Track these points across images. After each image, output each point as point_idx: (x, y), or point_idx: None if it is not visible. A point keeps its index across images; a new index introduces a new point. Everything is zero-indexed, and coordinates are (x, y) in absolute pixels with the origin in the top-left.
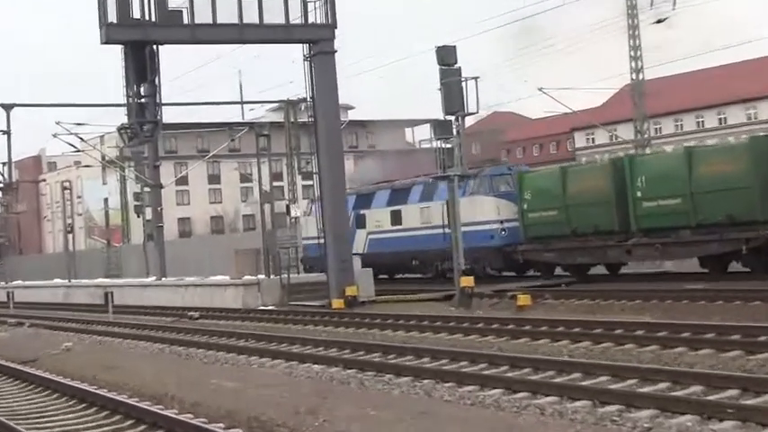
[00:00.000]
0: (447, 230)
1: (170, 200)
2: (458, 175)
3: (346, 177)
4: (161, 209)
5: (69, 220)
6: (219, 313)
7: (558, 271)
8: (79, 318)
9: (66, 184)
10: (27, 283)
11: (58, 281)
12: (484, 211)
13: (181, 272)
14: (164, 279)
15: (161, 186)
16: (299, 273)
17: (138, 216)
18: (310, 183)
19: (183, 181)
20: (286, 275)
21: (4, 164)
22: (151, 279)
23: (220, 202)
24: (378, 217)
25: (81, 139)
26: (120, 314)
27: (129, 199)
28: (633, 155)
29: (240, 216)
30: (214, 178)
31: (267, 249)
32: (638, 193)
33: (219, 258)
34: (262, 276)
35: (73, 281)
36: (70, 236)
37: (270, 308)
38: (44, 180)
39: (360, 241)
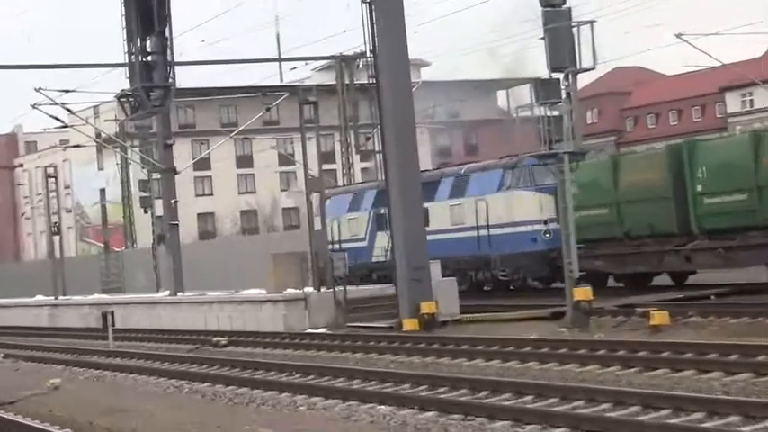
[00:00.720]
0: (482, 233)
1: (187, 190)
2: (569, 153)
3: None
4: (175, 202)
5: (55, 218)
6: (254, 339)
7: (611, 282)
8: (70, 346)
9: (51, 171)
10: (0, 301)
11: (40, 298)
12: (523, 209)
13: (203, 284)
14: (180, 294)
15: (175, 172)
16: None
17: (146, 212)
18: (370, 165)
19: (203, 165)
20: (341, 288)
21: None
22: (163, 294)
23: (253, 192)
24: (427, 213)
25: (69, 111)
26: (123, 341)
27: (134, 189)
28: (695, 140)
29: (279, 210)
30: (245, 161)
31: (316, 254)
32: (699, 187)
33: (253, 266)
34: (309, 289)
35: (61, 298)
36: (56, 238)
37: (321, 331)
38: (21, 165)
39: (380, 248)
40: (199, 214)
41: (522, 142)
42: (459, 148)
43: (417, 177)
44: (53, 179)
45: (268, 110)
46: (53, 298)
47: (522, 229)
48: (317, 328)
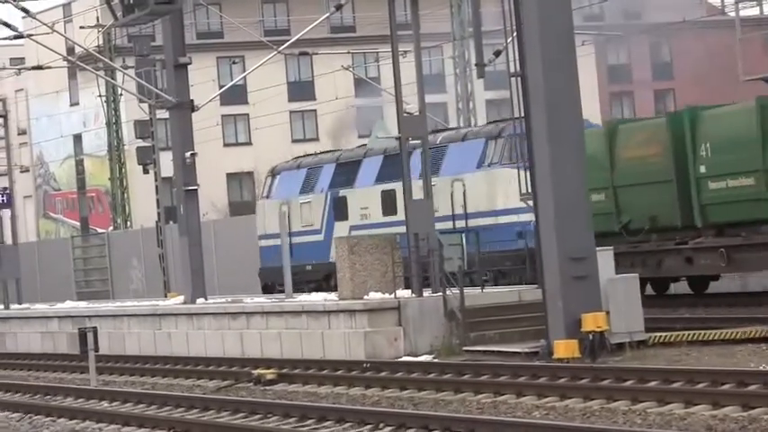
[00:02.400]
0: (459, 223)
1: (212, 135)
2: None
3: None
4: (193, 155)
5: (4, 181)
6: (318, 371)
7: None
8: (28, 382)
9: None
10: None
11: None
12: (509, 194)
13: (236, 285)
14: (201, 301)
15: (192, 107)
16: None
17: (146, 171)
18: (500, 95)
19: (237, 96)
20: (456, 291)
21: None
22: (174, 301)
23: (315, 140)
24: (363, 201)
25: (25, 12)
26: (111, 374)
27: (126, 135)
28: (698, 107)
29: None
30: (301, 89)
31: (416, 237)
32: (702, 168)
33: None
34: (406, 293)
35: (14, 307)
36: (6, 213)
37: (423, 359)
38: None
39: None
40: (230, 174)
41: (747, 59)
42: (644, 67)
43: (578, 115)
44: (0, 119)
45: (338, 8)
46: (1, 307)
47: (505, 219)
48: (418, 355)
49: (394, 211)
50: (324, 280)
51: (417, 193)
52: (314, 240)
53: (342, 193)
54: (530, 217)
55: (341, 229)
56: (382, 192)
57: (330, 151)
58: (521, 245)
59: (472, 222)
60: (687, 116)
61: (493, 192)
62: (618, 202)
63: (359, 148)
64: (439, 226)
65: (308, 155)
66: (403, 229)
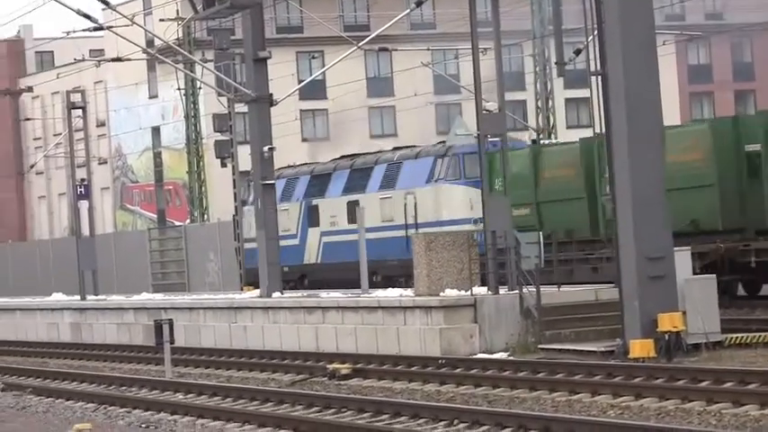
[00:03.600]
0: (411, 232)
1: (290, 130)
2: None
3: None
4: (271, 149)
5: (83, 173)
6: (393, 366)
7: None
8: (104, 373)
9: (77, 99)
10: None
11: (59, 298)
12: (452, 207)
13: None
14: (277, 295)
15: (271, 102)
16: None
17: (223, 164)
18: (580, 94)
19: (316, 90)
20: (533, 288)
21: None
22: (250, 295)
23: (393, 135)
24: (332, 210)
25: (106, 4)
26: (186, 366)
27: (204, 129)
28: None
29: None
30: (381, 85)
31: (494, 234)
32: (606, 188)
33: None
34: (482, 290)
35: (90, 298)
36: (84, 204)
37: (498, 356)
38: (29, 89)
39: (312, 247)
40: None
41: None
42: (725, 68)
43: (658, 115)
44: (79, 111)
45: (419, 4)
46: (78, 298)
47: (450, 228)
48: (493, 353)
49: (316, 222)
50: (299, 280)
51: (375, 206)
52: (291, 244)
53: (314, 202)
54: (472, 227)
55: (313, 234)
56: (348, 202)
57: (306, 164)
58: None
59: (421, 231)
60: (596, 142)
61: (439, 204)
62: (541, 216)
63: (330, 162)
64: (393, 233)
65: (288, 166)
66: (375, 236)
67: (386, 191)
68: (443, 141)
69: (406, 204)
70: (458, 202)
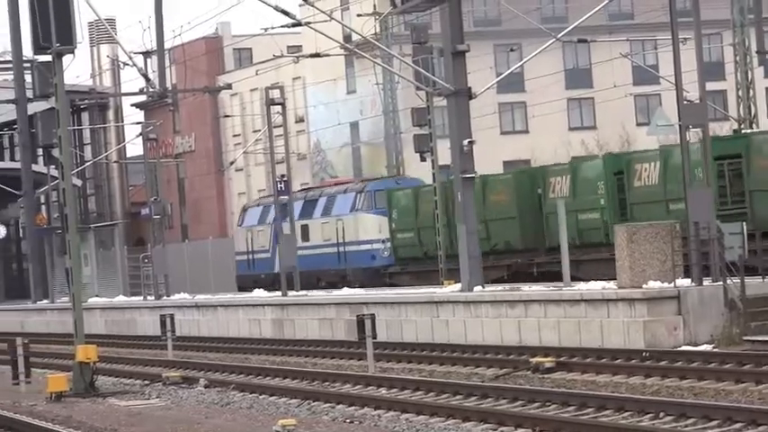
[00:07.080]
0: (341, 249)
1: (489, 123)
2: None
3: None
4: (471, 143)
5: (282, 168)
6: (596, 359)
7: None
8: (307, 368)
9: (276, 95)
10: (199, 297)
11: (261, 294)
12: (367, 230)
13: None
14: (479, 289)
15: (470, 95)
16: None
17: (423, 159)
18: None
19: (514, 84)
20: (737, 280)
21: (146, 54)
22: (452, 289)
23: (592, 128)
24: (308, 230)
25: (305, 0)
26: (389, 361)
27: (402, 124)
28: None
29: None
30: (578, 76)
31: (696, 225)
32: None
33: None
34: (685, 283)
35: (291, 294)
36: (284, 199)
37: (703, 348)
38: (228, 86)
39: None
40: (506, 162)
41: None
42: None
43: None
44: (278, 107)
45: None
46: (279, 294)
47: (365, 247)
48: (697, 345)
49: (307, 239)
50: (271, 284)
51: (318, 229)
52: (265, 257)
53: (281, 225)
54: (380, 246)
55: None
56: (302, 225)
57: (271, 195)
58: (374, 263)
59: (347, 248)
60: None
61: (357, 229)
62: (488, 231)
63: (297, 192)
64: (330, 249)
65: (266, 196)
66: (318, 251)
67: (325, 217)
68: (363, 180)
69: (337, 228)
70: (370, 227)
